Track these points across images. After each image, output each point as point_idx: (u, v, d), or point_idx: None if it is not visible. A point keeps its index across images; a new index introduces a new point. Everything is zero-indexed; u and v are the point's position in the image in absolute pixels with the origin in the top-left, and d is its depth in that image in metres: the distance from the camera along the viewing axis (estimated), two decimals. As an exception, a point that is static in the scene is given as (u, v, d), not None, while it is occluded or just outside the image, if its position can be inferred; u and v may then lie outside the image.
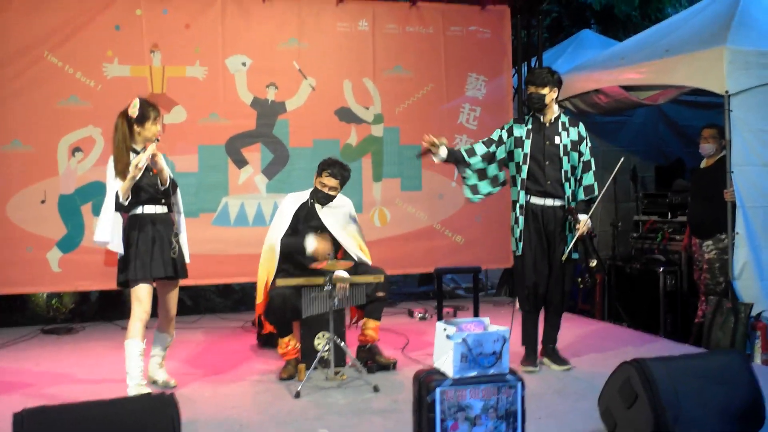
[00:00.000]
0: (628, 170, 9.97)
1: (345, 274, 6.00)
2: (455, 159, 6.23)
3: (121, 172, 5.52)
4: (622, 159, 6.58)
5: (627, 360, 4.45)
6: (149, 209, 5.71)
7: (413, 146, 9.46)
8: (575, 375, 6.12)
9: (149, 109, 5.71)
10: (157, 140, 5.69)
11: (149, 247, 5.66)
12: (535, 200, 6.24)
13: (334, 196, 6.46)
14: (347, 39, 9.48)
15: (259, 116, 9.11)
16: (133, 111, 5.66)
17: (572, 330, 7.83)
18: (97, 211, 8.37)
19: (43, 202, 8.49)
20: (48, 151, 8.50)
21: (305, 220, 6.45)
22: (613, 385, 4.51)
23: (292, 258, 6.36)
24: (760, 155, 7.14)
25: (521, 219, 6.25)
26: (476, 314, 5.64)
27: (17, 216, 8.42)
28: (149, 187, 5.66)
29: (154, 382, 5.97)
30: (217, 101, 8.98)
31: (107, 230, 5.62)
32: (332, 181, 6.37)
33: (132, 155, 5.60)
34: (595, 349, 7.03)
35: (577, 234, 6.11)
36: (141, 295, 5.70)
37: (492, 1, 9.93)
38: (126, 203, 5.56)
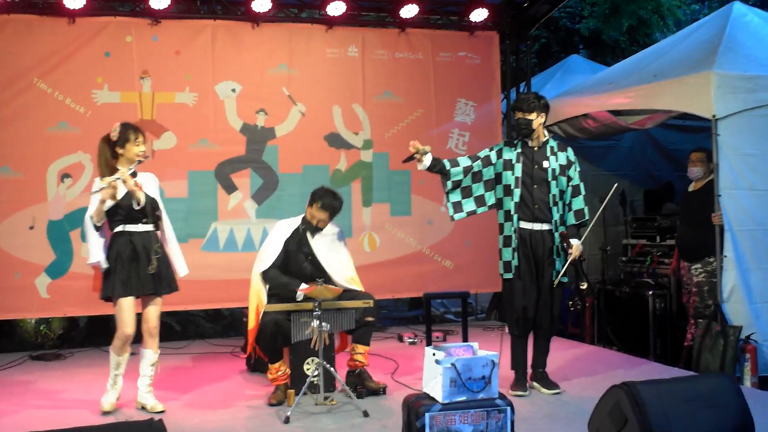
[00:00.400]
0: (617, 194, 10.01)
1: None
2: (439, 169, 6.25)
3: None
4: (616, 185, 6.62)
5: (617, 383, 4.45)
6: (130, 227, 5.87)
7: (403, 172, 9.53)
8: (565, 399, 6.11)
9: (129, 131, 5.92)
10: (140, 161, 5.95)
11: (126, 265, 5.84)
12: (524, 225, 6.27)
13: (323, 229, 6.47)
14: (337, 65, 9.52)
15: (249, 142, 9.13)
16: (114, 134, 5.90)
17: (562, 354, 7.83)
18: (84, 237, 8.42)
19: (31, 227, 8.47)
20: (37, 177, 8.50)
21: (296, 247, 6.45)
22: (603, 408, 4.49)
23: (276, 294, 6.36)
24: (747, 179, 7.18)
25: (515, 242, 6.26)
26: (465, 339, 5.63)
27: (6, 242, 8.41)
28: (126, 207, 5.83)
29: (142, 408, 5.99)
30: (206, 127, 8.99)
31: (98, 251, 5.85)
32: (322, 214, 6.38)
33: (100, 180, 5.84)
34: (585, 372, 7.02)
35: (570, 258, 6.14)
36: (119, 310, 5.92)
37: (481, 27, 9.99)
38: (99, 224, 5.81)
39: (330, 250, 6.52)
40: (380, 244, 9.58)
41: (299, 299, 6.17)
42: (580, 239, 6.27)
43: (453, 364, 4.18)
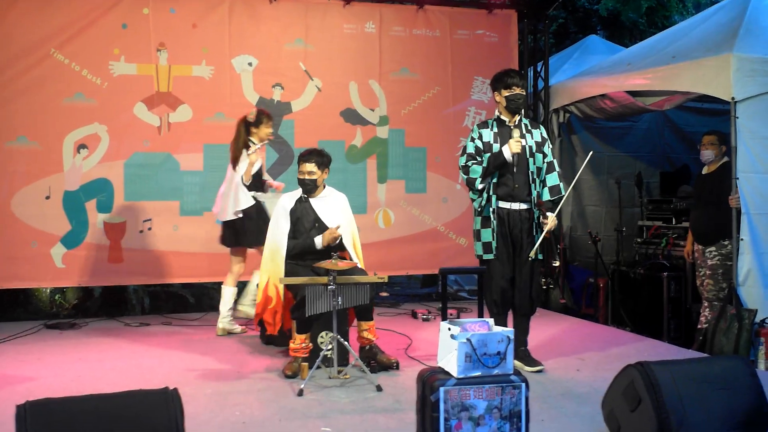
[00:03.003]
0: (634, 176, 9.99)
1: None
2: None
3: (233, 161, 7.61)
4: (591, 153, 6.59)
5: (631, 363, 4.45)
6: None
7: (418, 148, 9.56)
8: (579, 378, 6.10)
9: (263, 116, 7.70)
10: (268, 141, 7.94)
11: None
12: (502, 204, 6.28)
13: (315, 180, 6.50)
14: (354, 40, 9.50)
15: (265, 116, 9.12)
16: (251, 117, 7.63)
17: (576, 333, 7.84)
18: (101, 207, 8.51)
19: (47, 198, 8.51)
20: (53, 147, 8.53)
21: (302, 215, 6.49)
22: (617, 388, 4.50)
23: (301, 257, 6.40)
24: (765, 162, 7.14)
25: (494, 222, 6.27)
26: (480, 315, 5.63)
27: (22, 212, 8.45)
28: (255, 175, 7.62)
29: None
30: (222, 101, 9.00)
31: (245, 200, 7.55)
32: (307, 167, 6.47)
33: (246, 150, 7.59)
34: (599, 352, 7.02)
35: (545, 230, 6.14)
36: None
37: (499, 6, 9.94)
38: (248, 184, 7.56)
39: (334, 216, 6.57)
40: (395, 221, 9.58)
41: (320, 245, 6.36)
42: (554, 212, 6.25)
43: (468, 339, 4.17)
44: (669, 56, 8.17)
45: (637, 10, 16.22)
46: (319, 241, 6.38)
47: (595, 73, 9.60)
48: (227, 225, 7.71)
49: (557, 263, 6.20)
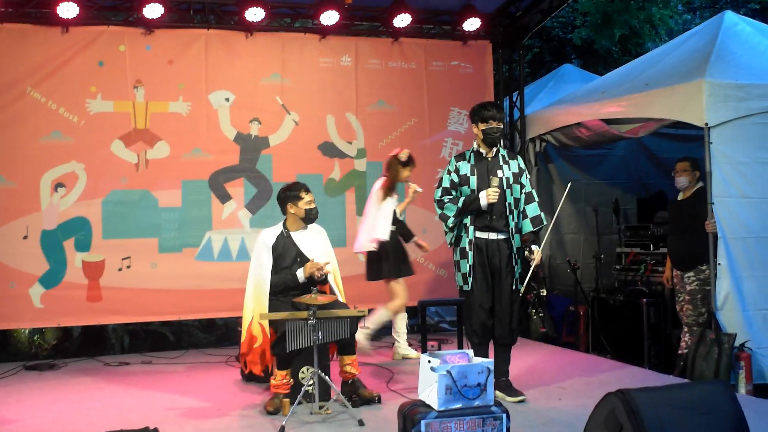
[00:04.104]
0: (611, 203, 10.04)
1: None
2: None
3: (387, 192, 7.93)
4: (570, 184, 6.64)
5: (611, 391, 4.45)
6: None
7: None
8: (560, 407, 6.10)
9: (412, 160, 8.06)
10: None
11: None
12: (480, 234, 6.31)
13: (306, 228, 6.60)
14: (330, 74, 9.54)
15: (243, 151, 9.14)
16: (404, 156, 7.98)
17: (557, 362, 7.85)
18: (80, 246, 8.45)
19: (25, 237, 8.46)
20: (30, 186, 8.49)
21: (284, 251, 6.49)
22: (598, 416, 4.49)
23: (284, 293, 6.39)
24: (740, 187, 7.21)
25: (470, 254, 6.30)
26: (460, 346, 5.63)
27: (0, 251, 8.38)
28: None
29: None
30: (200, 136, 9.00)
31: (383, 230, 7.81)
32: (311, 195, 6.58)
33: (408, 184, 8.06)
34: (580, 380, 7.02)
35: (533, 265, 6.17)
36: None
37: (474, 37, 10.02)
38: (401, 218, 8.18)
39: (316, 247, 6.59)
40: (374, 254, 9.56)
41: (303, 277, 6.34)
42: (540, 245, 6.31)
43: (448, 371, 4.18)
44: (643, 83, 8.26)
45: (610, 38, 16.41)
46: (300, 273, 6.37)
47: (570, 101, 9.68)
48: (369, 259, 7.98)
49: (545, 292, 6.22)
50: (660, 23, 17.11)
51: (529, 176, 6.53)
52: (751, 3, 19.53)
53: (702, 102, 7.20)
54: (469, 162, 6.39)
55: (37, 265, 8.49)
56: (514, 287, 6.33)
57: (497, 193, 6.18)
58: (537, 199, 6.44)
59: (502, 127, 6.39)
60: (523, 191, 6.38)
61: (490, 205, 6.23)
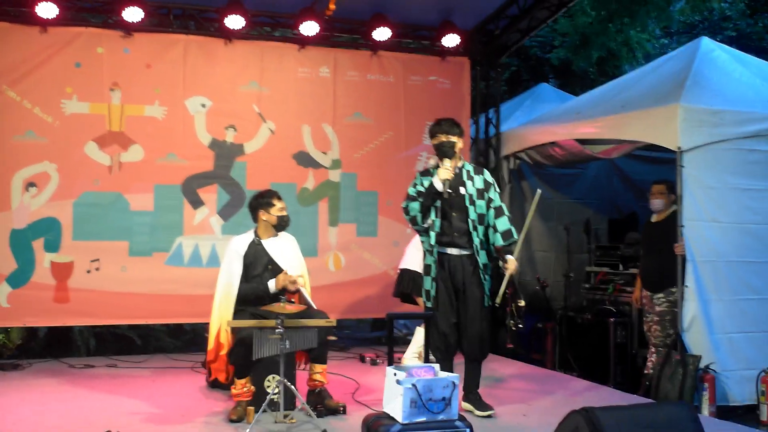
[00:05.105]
0: (582, 222, 10.10)
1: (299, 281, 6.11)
2: None
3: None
4: (539, 192, 6.63)
5: (576, 408, 4.47)
6: None
7: (370, 192, 9.59)
8: (526, 423, 6.13)
9: None
10: None
11: None
12: (442, 249, 6.35)
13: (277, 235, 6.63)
14: (308, 84, 9.54)
15: (217, 157, 9.11)
16: None
17: (523, 379, 7.87)
18: (49, 246, 8.40)
19: (-6, 236, 8.39)
20: (2, 185, 8.41)
21: (255, 259, 6.50)
22: (562, 433, 4.52)
23: (255, 303, 6.38)
24: (710, 211, 7.29)
25: (432, 268, 6.35)
26: (426, 360, 5.64)
27: (-33, 250, 8.32)
28: None
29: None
30: (175, 141, 8.96)
31: None
32: (282, 203, 6.62)
33: None
34: (546, 397, 7.05)
35: (507, 274, 6.18)
36: None
37: (452, 53, 10.06)
38: None
39: (287, 256, 6.61)
40: (345, 264, 9.58)
41: (274, 288, 6.35)
42: (514, 255, 6.29)
43: (414, 385, 4.19)
44: (618, 105, 8.32)
45: (587, 59, 16.52)
46: (272, 284, 6.36)
47: (546, 120, 9.74)
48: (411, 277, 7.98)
49: (523, 303, 6.22)
50: (637, 46, 17.26)
51: (498, 190, 6.52)
52: (728, 30, 19.77)
53: (676, 126, 7.27)
54: (433, 177, 6.39)
55: (5, 264, 8.40)
56: (485, 303, 6.33)
57: (449, 171, 6.18)
58: (508, 213, 6.43)
59: (452, 140, 6.34)
60: (492, 205, 6.37)
61: (450, 219, 6.27)
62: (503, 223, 6.36)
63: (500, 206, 6.42)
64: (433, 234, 6.34)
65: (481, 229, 6.33)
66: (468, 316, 6.33)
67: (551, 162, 9.74)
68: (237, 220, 9.02)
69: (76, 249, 8.60)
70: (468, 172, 6.44)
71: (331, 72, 9.63)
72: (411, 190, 6.42)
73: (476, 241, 6.30)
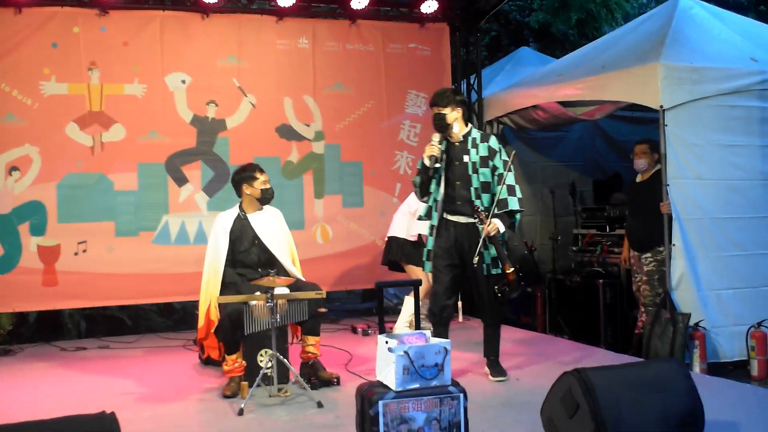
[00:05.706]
0: (567, 185, 10.12)
1: (285, 291, 6.02)
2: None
3: None
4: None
5: (568, 370, 4.50)
6: None
7: (354, 163, 9.57)
8: (518, 387, 6.16)
9: None
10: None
11: None
12: (448, 216, 6.35)
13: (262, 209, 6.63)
14: (287, 56, 9.48)
15: (200, 134, 9.06)
16: None
17: (514, 343, 7.90)
18: (35, 230, 8.35)
19: (-22, 222, 8.34)
20: (-17, 170, 8.36)
21: (241, 234, 6.49)
22: (555, 395, 4.54)
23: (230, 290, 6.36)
24: (694, 169, 7.29)
25: (430, 238, 6.39)
26: (417, 327, 5.64)
27: (-48, 236, 8.26)
28: None
29: None
30: (156, 119, 8.91)
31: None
32: (265, 176, 6.59)
33: None
34: (538, 360, 7.09)
35: (483, 233, 6.13)
36: None
37: (431, 19, 10.02)
38: None
39: (273, 229, 6.61)
40: (333, 236, 9.57)
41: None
42: (501, 220, 6.18)
43: (406, 352, 4.20)
44: (599, 66, 8.30)
45: (567, 22, 16.47)
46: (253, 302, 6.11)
47: (527, 84, 9.71)
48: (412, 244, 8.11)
49: (510, 269, 6.20)
50: (616, 7, 17.19)
51: (503, 157, 6.32)
52: (706, -14, 19.69)
53: (657, 84, 7.25)
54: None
55: (-9, 250, 8.38)
56: (485, 272, 6.33)
57: (433, 147, 6.18)
58: (508, 183, 6.23)
59: (442, 112, 6.31)
60: (495, 173, 6.28)
61: (454, 187, 6.27)
62: (503, 192, 6.19)
63: (503, 174, 6.23)
64: (433, 200, 6.35)
65: (485, 197, 6.25)
66: (476, 283, 6.36)
67: (534, 125, 9.72)
68: (222, 196, 8.99)
69: (62, 232, 8.55)
70: (474, 139, 6.36)
71: (310, 43, 9.57)
72: (419, 162, 6.42)
73: (481, 208, 6.25)
